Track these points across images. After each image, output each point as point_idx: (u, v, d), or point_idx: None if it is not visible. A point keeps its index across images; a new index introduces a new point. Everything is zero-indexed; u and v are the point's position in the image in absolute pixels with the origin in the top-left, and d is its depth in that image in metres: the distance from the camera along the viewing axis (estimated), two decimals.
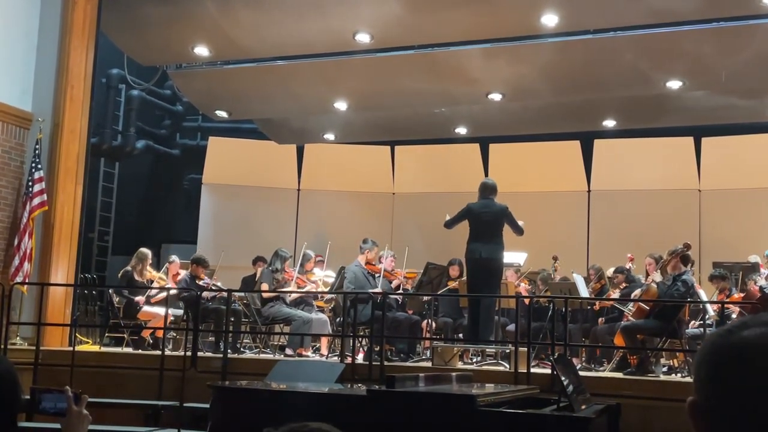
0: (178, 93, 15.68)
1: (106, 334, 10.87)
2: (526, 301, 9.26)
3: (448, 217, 8.95)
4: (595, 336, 9.37)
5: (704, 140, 13.03)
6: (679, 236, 9.83)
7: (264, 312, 9.73)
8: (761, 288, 8.70)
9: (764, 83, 10.80)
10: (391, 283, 9.91)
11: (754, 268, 9.98)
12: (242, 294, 10.35)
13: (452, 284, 9.93)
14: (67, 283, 9.68)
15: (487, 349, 9.23)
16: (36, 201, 9.38)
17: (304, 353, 9.47)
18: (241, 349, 9.89)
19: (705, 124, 12.54)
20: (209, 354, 9.18)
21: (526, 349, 7.93)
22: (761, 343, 1.16)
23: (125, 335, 10.16)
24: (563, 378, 4.75)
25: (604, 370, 8.90)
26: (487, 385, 6.57)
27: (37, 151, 9.51)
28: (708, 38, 10.01)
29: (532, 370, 7.75)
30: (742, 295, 9.30)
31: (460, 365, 8.59)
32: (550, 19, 9.77)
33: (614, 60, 10.49)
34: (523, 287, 10.33)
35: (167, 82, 15.54)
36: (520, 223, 8.78)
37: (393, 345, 9.50)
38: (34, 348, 8.60)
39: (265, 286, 9.75)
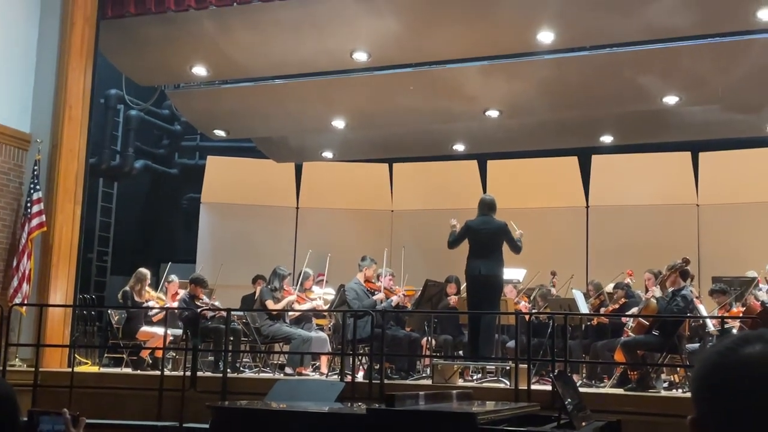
0: (176, 113, 15.72)
1: (105, 355, 10.83)
2: (526, 317, 9.24)
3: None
4: (595, 352, 9.34)
5: (702, 155, 13.06)
6: (678, 251, 9.82)
7: (263, 331, 9.70)
8: (762, 303, 8.69)
9: (761, 98, 10.84)
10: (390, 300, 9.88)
11: (752, 282, 9.96)
12: (241, 313, 10.32)
13: (453, 300, 9.91)
14: (66, 304, 9.66)
15: (488, 366, 9.20)
16: (34, 222, 9.38)
17: (303, 372, 9.44)
18: (241, 369, 9.86)
19: (702, 138, 12.58)
20: (209, 374, 9.15)
21: (526, 365, 7.91)
22: (764, 360, 1.16)
23: (124, 356, 10.12)
24: (563, 395, 4.73)
25: (604, 387, 8.88)
26: (487, 402, 6.53)
27: (35, 172, 9.52)
28: (704, 54, 10.06)
29: (533, 386, 7.72)
30: (742, 309, 9.29)
31: (460, 382, 8.56)
32: (546, 36, 9.82)
33: (611, 76, 10.53)
34: (523, 305, 10.31)
35: (165, 101, 15.59)
36: (519, 233, 8.79)
37: (393, 363, 9.47)
38: (33, 369, 8.58)
39: (270, 303, 9.72)
